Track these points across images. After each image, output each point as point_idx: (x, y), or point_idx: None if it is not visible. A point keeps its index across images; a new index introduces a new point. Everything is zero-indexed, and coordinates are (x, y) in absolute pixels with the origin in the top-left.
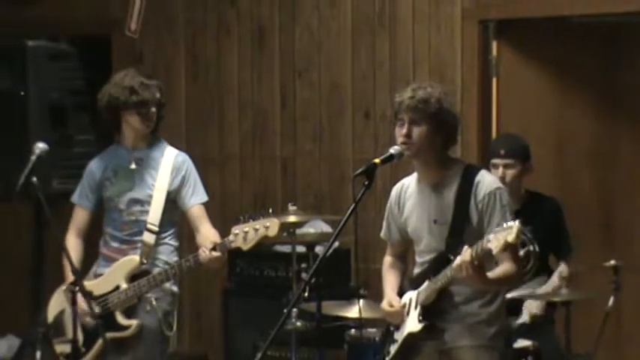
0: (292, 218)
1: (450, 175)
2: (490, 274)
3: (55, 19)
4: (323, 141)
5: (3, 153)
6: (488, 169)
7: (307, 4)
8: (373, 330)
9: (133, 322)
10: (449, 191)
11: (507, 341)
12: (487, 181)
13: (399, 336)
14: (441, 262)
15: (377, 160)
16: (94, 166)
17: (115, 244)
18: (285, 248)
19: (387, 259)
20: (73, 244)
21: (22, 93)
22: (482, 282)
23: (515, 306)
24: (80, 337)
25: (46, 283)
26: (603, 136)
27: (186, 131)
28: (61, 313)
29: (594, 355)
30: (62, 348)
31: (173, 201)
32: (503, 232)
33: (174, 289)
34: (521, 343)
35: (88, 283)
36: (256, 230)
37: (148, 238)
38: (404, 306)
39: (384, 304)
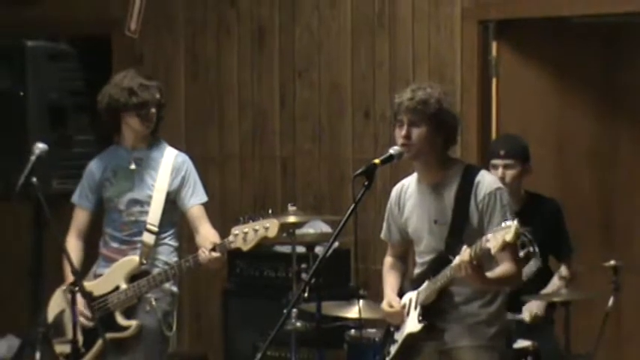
0: (292, 219)
1: (450, 176)
2: (489, 274)
3: (55, 19)
4: (323, 141)
5: (2, 153)
6: (488, 169)
7: (307, 5)
8: (373, 330)
9: (133, 323)
10: (449, 191)
11: (508, 341)
12: (487, 181)
13: (399, 336)
14: (440, 262)
15: (377, 161)
16: (94, 167)
17: (114, 245)
18: (285, 249)
19: (388, 260)
20: (73, 244)
21: (22, 93)
22: (481, 282)
23: (516, 302)
24: (80, 337)
25: (46, 284)
26: (603, 136)
27: (186, 131)
28: (61, 313)
29: (594, 356)
30: (62, 348)
31: (173, 201)
32: (502, 232)
33: (174, 289)
34: (521, 343)
35: (88, 284)
36: (256, 231)
37: (148, 238)
38: (404, 306)
39: (384, 305)
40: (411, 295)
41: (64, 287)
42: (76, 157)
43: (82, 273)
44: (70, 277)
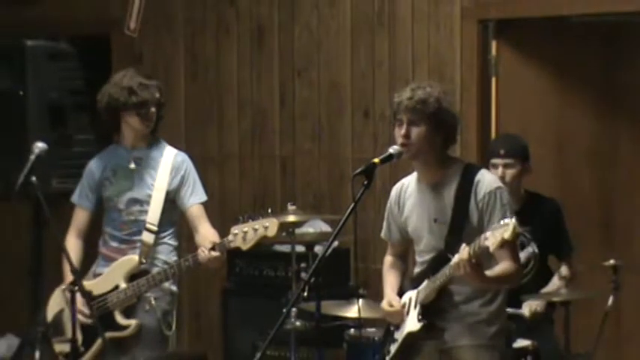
0: (291, 218)
1: (449, 174)
2: (489, 273)
3: (55, 19)
4: (322, 140)
5: (2, 153)
6: (487, 168)
7: (306, 3)
8: (372, 330)
9: (132, 322)
10: (449, 190)
11: (508, 341)
12: (487, 180)
13: (399, 335)
14: (440, 261)
15: (376, 160)
16: (94, 166)
17: (114, 244)
18: (285, 248)
19: (388, 259)
20: (73, 243)
21: (21, 93)
22: (480, 280)
23: (516, 300)
24: (79, 336)
25: (46, 283)
26: (603, 135)
27: (186, 130)
28: (61, 312)
29: (594, 355)
30: (61, 347)
31: (172, 201)
32: (500, 229)
33: (174, 288)
34: (521, 342)
35: (87, 283)
36: (255, 230)
37: (147, 237)
38: (404, 306)
39: (384, 304)
40: (410, 294)
41: (63, 286)
42: (76, 157)
43: (81, 272)
44: (69, 277)
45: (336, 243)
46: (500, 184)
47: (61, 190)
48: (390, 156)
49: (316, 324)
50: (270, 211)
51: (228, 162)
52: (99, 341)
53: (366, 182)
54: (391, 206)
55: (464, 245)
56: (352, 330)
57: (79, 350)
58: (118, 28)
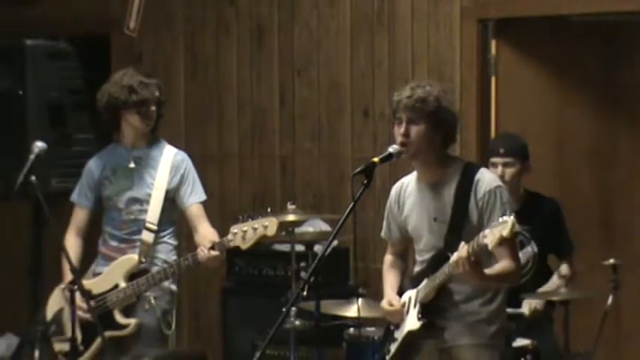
0: (291, 217)
1: (449, 173)
2: (488, 271)
3: (55, 19)
4: (322, 140)
5: (2, 152)
6: (487, 167)
7: (306, 3)
8: (372, 329)
9: (132, 321)
10: (448, 189)
11: (507, 340)
12: (487, 178)
13: (399, 334)
14: (440, 259)
15: (376, 159)
16: (93, 165)
17: (113, 243)
18: (284, 247)
19: (388, 258)
20: (73, 243)
21: (21, 92)
22: (479, 278)
23: (515, 299)
24: (79, 335)
25: (45, 282)
26: (603, 135)
27: (185, 129)
28: (60, 311)
29: (593, 354)
30: (61, 346)
31: (172, 200)
32: (499, 227)
33: (173, 287)
34: (520, 342)
35: (87, 282)
36: (255, 229)
37: (147, 236)
38: (403, 305)
39: (384, 304)
40: (410, 294)
41: (63, 285)
42: (76, 156)
43: (81, 271)
44: (69, 276)
45: (335, 242)
46: (500, 182)
47: (60, 190)
48: (390, 155)
49: (316, 323)
50: (269, 210)
51: (227, 161)
52: (98, 340)
53: (365, 181)
54: (391, 205)
55: (463, 243)
56: (352, 329)
57: (79, 349)
58: (117, 27)
